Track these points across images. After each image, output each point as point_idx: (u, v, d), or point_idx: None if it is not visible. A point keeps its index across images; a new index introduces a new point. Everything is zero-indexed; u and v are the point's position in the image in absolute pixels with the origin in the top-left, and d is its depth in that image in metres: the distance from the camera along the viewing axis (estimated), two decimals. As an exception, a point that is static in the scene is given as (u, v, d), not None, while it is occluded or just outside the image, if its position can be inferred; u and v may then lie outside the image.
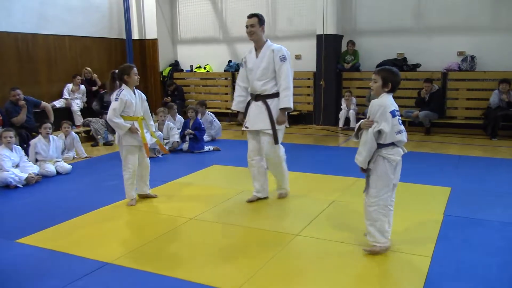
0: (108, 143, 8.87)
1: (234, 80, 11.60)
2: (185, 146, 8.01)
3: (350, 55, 10.28)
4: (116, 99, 4.83)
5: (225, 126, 10.41)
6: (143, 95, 5.14)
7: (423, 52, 9.74)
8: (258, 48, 4.92)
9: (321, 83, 10.27)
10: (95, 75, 10.40)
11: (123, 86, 4.91)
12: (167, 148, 7.85)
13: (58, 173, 6.58)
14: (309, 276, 3.37)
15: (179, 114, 9.03)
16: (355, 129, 3.69)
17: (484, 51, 9.27)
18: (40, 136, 6.82)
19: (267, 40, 4.95)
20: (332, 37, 10.16)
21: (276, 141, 4.84)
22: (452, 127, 9.40)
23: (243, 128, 5.07)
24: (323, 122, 10.45)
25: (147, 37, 12.33)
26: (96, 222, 4.60)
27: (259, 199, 5.10)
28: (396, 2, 9.91)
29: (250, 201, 5.07)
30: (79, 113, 9.69)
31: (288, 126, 5.05)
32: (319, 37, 10.25)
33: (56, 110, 9.06)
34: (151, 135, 5.22)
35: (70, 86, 9.91)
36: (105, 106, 9.10)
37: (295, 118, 10.60)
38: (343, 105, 10.15)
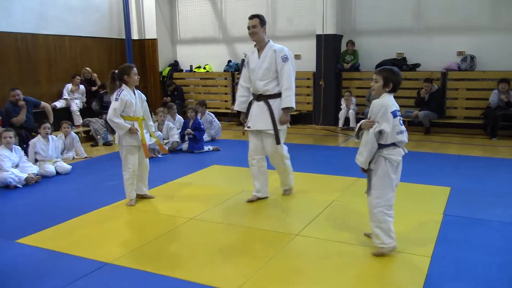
0: (107, 143, 8.86)
1: (233, 80, 11.62)
2: (185, 146, 8.01)
3: (350, 55, 10.28)
4: (116, 99, 4.82)
5: (224, 126, 10.41)
6: (143, 95, 5.13)
7: (422, 52, 9.74)
8: (260, 48, 4.94)
9: (320, 83, 10.27)
10: (95, 75, 10.40)
11: (123, 86, 4.90)
12: (166, 148, 7.86)
13: (57, 173, 6.57)
14: (309, 276, 3.37)
15: (178, 114, 9.03)
16: (356, 129, 3.68)
17: (484, 51, 9.28)
18: (39, 136, 6.82)
19: (269, 41, 4.96)
20: (331, 37, 10.17)
21: (277, 141, 4.87)
22: (452, 127, 9.40)
23: (245, 128, 5.08)
24: (323, 122, 10.45)
25: (147, 37, 12.33)
26: (96, 222, 4.60)
27: (259, 199, 5.10)
28: (396, 2, 9.91)
29: (250, 201, 5.07)
30: (78, 113, 9.69)
31: (289, 126, 5.07)
32: (318, 37, 10.25)
33: (55, 110, 9.06)
34: (151, 136, 5.22)
35: (69, 86, 9.91)
36: (104, 106, 9.10)
37: (294, 118, 10.59)
38: (343, 105, 10.16)
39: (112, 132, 8.65)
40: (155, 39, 12.25)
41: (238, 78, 11.39)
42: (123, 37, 11.93)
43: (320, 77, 10.28)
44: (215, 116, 9.20)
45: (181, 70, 12.60)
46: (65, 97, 9.78)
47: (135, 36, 12.24)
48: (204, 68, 12.22)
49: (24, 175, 6.01)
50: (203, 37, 12.25)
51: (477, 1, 9.26)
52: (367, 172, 3.60)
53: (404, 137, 3.49)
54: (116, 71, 4.99)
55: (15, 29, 9.14)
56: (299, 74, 10.32)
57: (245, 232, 4.27)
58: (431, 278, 3.26)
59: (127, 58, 11.89)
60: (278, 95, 4.86)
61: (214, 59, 12.18)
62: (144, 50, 12.42)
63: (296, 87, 4.96)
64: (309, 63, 10.57)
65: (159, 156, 7.53)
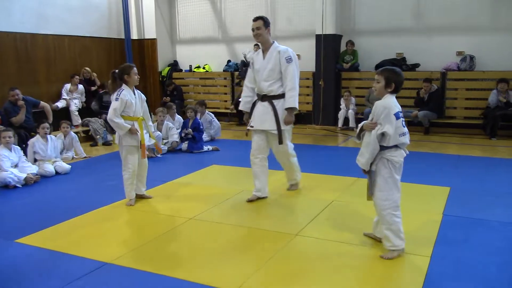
0: (107, 143, 8.86)
1: (233, 80, 11.63)
2: (184, 146, 8.00)
3: (349, 55, 10.28)
4: (117, 99, 4.82)
5: (224, 126, 10.41)
6: (142, 95, 5.13)
7: (422, 52, 9.74)
8: (265, 49, 5.01)
9: (320, 83, 10.27)
10: (94, 75, 10.39)
11: (123, 86, 4.90)
12: (166, 148, 7.87)
13: (57, 173, 6.57)
14: (309, 276, 3.37)
15: (178, 114, 9.02)
16: (357, 130, 3.66)
17: (483, 51, 9.28)
18: (38, 136, 6.81)
19: (273, 42, 5.02)
20: (331, 37, 10.17)
21: (280, 141, 4.95)
22: (451, 127, 9.40)
23: (248, 127, 5.12)
24: (322, 122, 10.45)
25: (146, 37, 12.33)
26: (95, 222, 4.60)
27: (258, 198, 5.10)
28: (396, 2, 9.91)
29: (249, 201, 5.08)
30: (77, 113, 9.68)
31: (293, 126, 5.13)
32: (318, 37, 10.25)
33: (55, 110, 9.05)
34: (150, 136, 5.22)
35: (68, 86, 9.90)
36: (104, 106, 9.11)
37: (295, 118, 10.58)
38: (342, 105, 10.16)
39: (112, 132, 8.66)
40: (154, 39, 12.25)
41: (237, 78, 11.43)
42: (123, 37, 11.92)
43: (320, 77, 10.28)
44: (214, 116, 9.20)
45: (181, 70, 12.60)
46: (64, 97, 9.78)
47: (134, 36, 12.23)
48: (204, 68, 12.22)
49: (23, 175, 6.01)
50: (202, 37, 12.25)
51: (477, 1, 9.26)
52: (368, 174, 3.58)
53: (406, 139, 3.48)
54: (117, 70, 4.99)
55: (14, 29, 9.13)
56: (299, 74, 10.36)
57: (244, 232, 4.27)
58: (431, 278, 3.26)
59: (126, 58, 11.88)
60: (282, 95, 4.92)
61: (213, 59, 12.18)
62: (143, 50, 12.42)
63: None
64: (309, 63, 10.56)
65: (159, 156, 7.53)
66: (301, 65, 10.56)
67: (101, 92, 9.84)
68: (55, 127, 7.92)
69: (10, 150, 6.22)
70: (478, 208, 4.71)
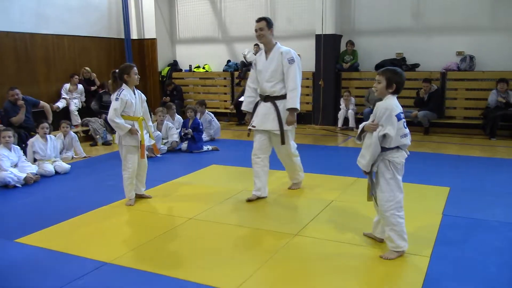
0: (106, 143, 8.86)
1: (233, 80, 11.62)
2: (184, 146, 8.00)
3: (349, 55, 10.29)
4: (117, 99, 4.82)
5: (223, 126, 10.41)
6: (143, 95, 5.13)
7: (422, 52, 9.75)
8: (267, 50, 5.05)
9: (320, 83, 10.27)
10: (94, 75, 10.39)
11: (123, 86, 4.90)
12: (165, 148, 7.87)
13: (56, 172, 6.57)
14: (308, 275, 3.37)
15: (177, 114, 9.02)
16: (358, 131, 3.64)
17: (483, 51, 9.29)
18: (37, 135, 6.81)
19: (276, 43, 5.06)
20: (331, 37, 10.17)
21: (283, 142, 4.98)
22: (451, 127, 9.41)
23: (250, 127, 5.15)
24: (322, 122, 10.45)
25: (146, 37, 12.33)
26: (95, 221, 4.60)
27: (258, 198, 5.11)
28: (396, 2, 9.91)
29: (249, 200, 5.08)
30: (76, 113, 9.68)
31: (296, 126, 5.17)
32: (318, 37, 10.26)
33: (58, 111, 9.08)
34: (150, 137, 5.21)
35: (67, 86, 9.90)
36: (103, 106, 9.11)
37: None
38: (342, 105, 10.16)
39: (111, 131, 8.66)
40: (154, 38, 12.25)
41: (237, 78, 11.43)
42: (122, 36, 11.92)
43: (320, 77, 10.28)
44: (214, 116, 9.19)
45: (180, 70, 12.60)
46: (64, 96, 9.77)
47: (134, 35, 12.23)
48: (203, 68, 12.21)
49: (23, 175, 6.00)
50: (202, 37, 12.25)
51: (477, 1, 9.26)
52: (368, 175, 3.57)
53: (408, 140, 3.47)
54: (117, 70, 4.99)
55: (13, 28, 9.12)
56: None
57: (244, 232, 4.27)
58: (430, 278, 3.26)
59: (126, 58, 11.88)
60: (285, 96, 4.96)
61: (213, 59, 12.18)
62: (143, 49, 12.42)
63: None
64: (308, 63, 10.56)
65: (158, 156, 7.53)
66: (301, 65, 10.65)
67: (100, 92, 9.84)
68: (55, 127, 7.92)
69: (10, 149, 6.22)
70: (477, 208, 4.71)
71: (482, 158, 7.13)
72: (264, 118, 5.01)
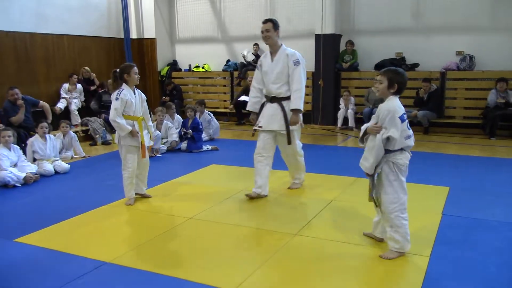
0: (106, 143, 8.86)
1: (232, 79, 11.62)
2: (184, 145, 8.00)
3: (349, 54, 10.28)
4: (117, 99, 4.82)
5: (223, 125, 10.40)
6: (143, 95, 5.12)
7: (421, 52, 9.75)
8: (273, 52, 5.10)
9: (319, 82, 10.27)
10: (93, 75, 10.38)
11: (123, 85, 4.90)
12: (165, 147, 7.87)
13: (56, 172, 6.56)
14: (308, 275, 3.37)
15: (177, 114, 9.02)
16: (360, 134, 3.59)
17: (483, 50, 9.29)
18: (37, 135, 6.81)
19: (281, 44, 5.11)
20: (330, 37, 10.17)
21: (289, 142, 5.05)
22: (451, 127, 9.41)
23: (256, 127, 5.19)
24: (322, 121, 10.45)
25: (146, 37, 12.32)
26: (95, 221, 4.59)
27: (258, 196, 5.11)
28: (395, 2, 9.91)
29: (249, 197, 5.09)
30: (76, 113, 9.68)
31: (303, 125, 5.25)
32: (317, 37, 10.26)
33: (59, 113, 9.11)
34: (150, 138, 5.21)
35: (66, 85, 9.89)
36: (103, 106, 9.11)
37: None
38: (342, 105, 10.16)
39: (111, 131, 8.66)
40: (153, 38, 12.25)
41: (237, 79, 11.43)
42: (122, 36, 11.91)
43: (319, 76, 10.28)
44: (213, 115, 9.19)
45: (180, 70, 12.59)
46: (63, 96, 9.76)
47: (133, 35, 12.23)
48: (203, 67, 12.21)
49: (23, 174, 6.00)
50: (202, 37, 12.24)
51: (477, 1, 9.26)
52: (370, 176, 3.54)
53: (412, 141, 3.45)
54: (118, 70, 4.99)
55: (13, 28, 9.12)
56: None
57: (243, 232, 4.27)
58: (430, 277, 3.26)
59: (126, 57, 11.88)
60: (290, 97, 5.02)
61: (212, 58, 12.17)
62: (143, 49, 12.42)
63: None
64: (308, 63, 10.41)
65: (158, 155, 7.53)
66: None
67: (100, 91, 9.83)
68: (55, 127, 7.91)
69: (10, 149, 6.22)
70: (477, 208, 4.71)
71: (481, 157, 7.13)
72: (270, 118, 5.06)
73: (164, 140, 7.98)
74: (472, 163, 6.77)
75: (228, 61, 11.86)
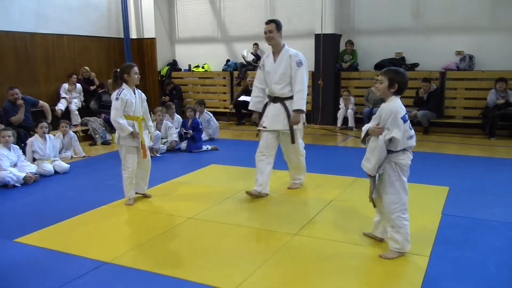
0: (106, 142, 8.85)
1: (232, 79, 11.62)
2: (183, 145, 8.00)
3: (349, 54, 10.29)
4: (117, 99, 4.81)
5: (223, 125, 10.41)
6: (143, 95, 5.12)
7: (421, 52, 9.75)
8: (276, 52, 5.12)
9: (319, 82, 10.27)
10: (93, 74, 10.38)
11: (124, 85, 4.90)
12: (165, 147, 7.87)
13: (56, 172, 6.56)
14: (308, 275, 3.37)
15: (177, 114, 9.02)
16: (362, 134, 3.58)
17: (483, 50, 9.29)
18: (36, 135, 6.81)
19: (284, 45, 5.12)
20: (330, 37, 10.17)
21: (293, 141, 5.11)
22: (451, 127, 9.41)
23: (260, 128, 5.21)
24: (321, 121, 10.45)
25: (145, 36, 12.33)
26: (95, 221, 4.59)
27: (259, 194, 5.11)
28: (395, 2, 9.91)
29: (249, 194, 5.09)
30: (76, 112, 9.69)
31: (305, 125, 5.30)
32: (317, 37, 10.26)
33: (61, 114, 9.13)
34: (150, 139, 5.21)
35: (65, 85, 9.89)
36: (103, 106, 9.11)
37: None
38: (341, 105, 10.16)
39: (111, 131, 8.66)
40: (153, 38, 12.25)
41: (237, 78, 11.43)
42: (122, 36, 11.92)
43: (319, 76, 10.28)
44: (213, 115, 9.19)
45: (180, 70, 12.59)
46: (63, 96, 9.76)
47: (133, 35, 12.23)
48: (203, 67, 12.21)
49: (23, 174, 6.00)
50: (201, 37, 12.24)
51: (477, 1, 9.26)
52: (372, 177, 3.53)
53: (414, 141, 3.44)
54: (118, 69, 4.99)
55: (13, 28, 9.12)
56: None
57: (243, 231, 4.27)
58: (430, 277, 3.26)
59: (125, 57, 11.88)
60: (293, 97, 5.05)
61: (212, 58, 12.17)
62: (142, 49, 12.42)
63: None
64: (308, 63, 10.17)
65: (158, 155, 7.53)
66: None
67: (100, 91, 9.83)
68: (54, 127, 7.91)
69: (9, 149, 6.21)
70: (477, 208, 4.71)
71: (481, 157, 7.13)
72: (274, 118, 5.09)
73: (164, 140, 7.98)
74: (472, 163, 6.78)
75: (228, 61, 11.86)
